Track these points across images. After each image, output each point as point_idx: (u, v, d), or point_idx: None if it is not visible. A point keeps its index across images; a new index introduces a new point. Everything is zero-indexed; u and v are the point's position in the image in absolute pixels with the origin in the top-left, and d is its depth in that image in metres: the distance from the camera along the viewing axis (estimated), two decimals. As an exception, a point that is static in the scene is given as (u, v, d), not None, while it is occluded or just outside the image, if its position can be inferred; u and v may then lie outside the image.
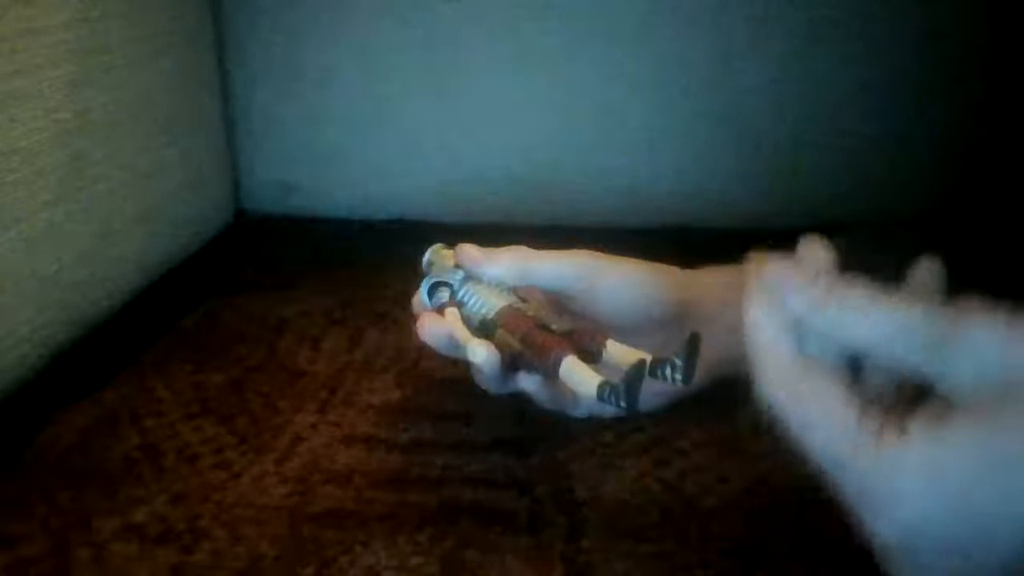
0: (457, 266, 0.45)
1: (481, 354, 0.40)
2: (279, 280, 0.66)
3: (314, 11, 0.75)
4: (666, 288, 0.45)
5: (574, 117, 0.75)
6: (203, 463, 0.44)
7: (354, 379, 0.52)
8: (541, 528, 0.39)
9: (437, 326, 0.43)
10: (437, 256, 0.47)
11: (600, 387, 0.36)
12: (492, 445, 0.45)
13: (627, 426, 0.46)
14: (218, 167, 0.76)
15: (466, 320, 0.43)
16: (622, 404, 0.35)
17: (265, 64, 0.77)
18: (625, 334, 0.40)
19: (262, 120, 0.79)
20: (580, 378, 0.37)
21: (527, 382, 0.42)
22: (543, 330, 0.40)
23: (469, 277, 0.45)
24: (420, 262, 0.47)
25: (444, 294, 0.45)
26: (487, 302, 0.43)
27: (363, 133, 0.78)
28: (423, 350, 0.55)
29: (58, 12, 0.53)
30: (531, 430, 0.46)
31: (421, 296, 0.45)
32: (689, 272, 0.47)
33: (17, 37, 0.50)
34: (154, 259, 0.66)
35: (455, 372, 0.52)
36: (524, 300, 0.43)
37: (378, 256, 0.69)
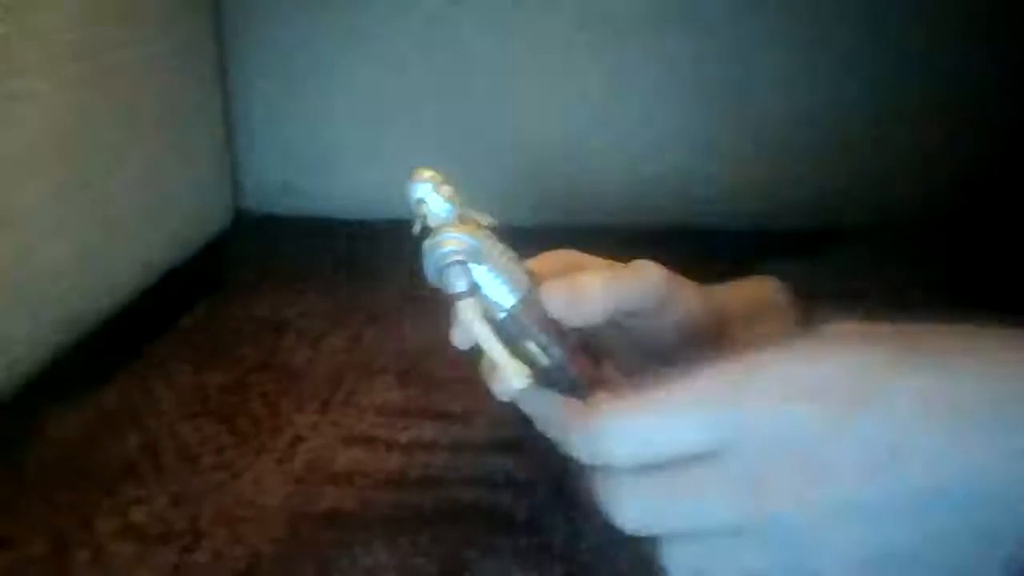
0: (462, 218, 0.34)
1: (517, 385, 0.34)
2: (279, 280, 0.66)
3: (314, 11, 0.75)
4: (710, 310, 0.40)
5: (574, 117, 0.75)
6: (203, 463, 0.44)
7: (354, 379, 0.52)
8: (541, 528, 0.39)
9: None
10: (435, 194, 0.34)
11: None
12: (492, 445, 0.45)
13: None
14: (218, 167, 0.76)
15: (484, 314, 0.34)
16: None
17: (265, 64, 0.77)
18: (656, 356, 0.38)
19: (262, 120, 0.79)
20: None
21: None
22: (581, 351, 0.35)
23: (481, 243, 0.34)
24: (419, 261, 0.42)
25: (459, 277, 0.33)
26: (505, 288, 0.34)
27: (363, 133, 0.78)
28: (423, 350, 0.56)
29: (58, 12, 0.53)
30: (531, 430, 0.46)
31: (429, 276, 0.34)
32: (715, 289, 0.43)
33: (17, 37, 0.50)
34: (154, 259, 0.65)
35: (455, 372, 0.52)
36: (535, 280, 0.36)
37: (378, 256, 0.69)
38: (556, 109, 0.75)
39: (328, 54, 0.76)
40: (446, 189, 0.34)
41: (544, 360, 0.34)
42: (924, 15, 0.69)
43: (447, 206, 0.34)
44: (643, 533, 0.28)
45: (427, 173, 0.34)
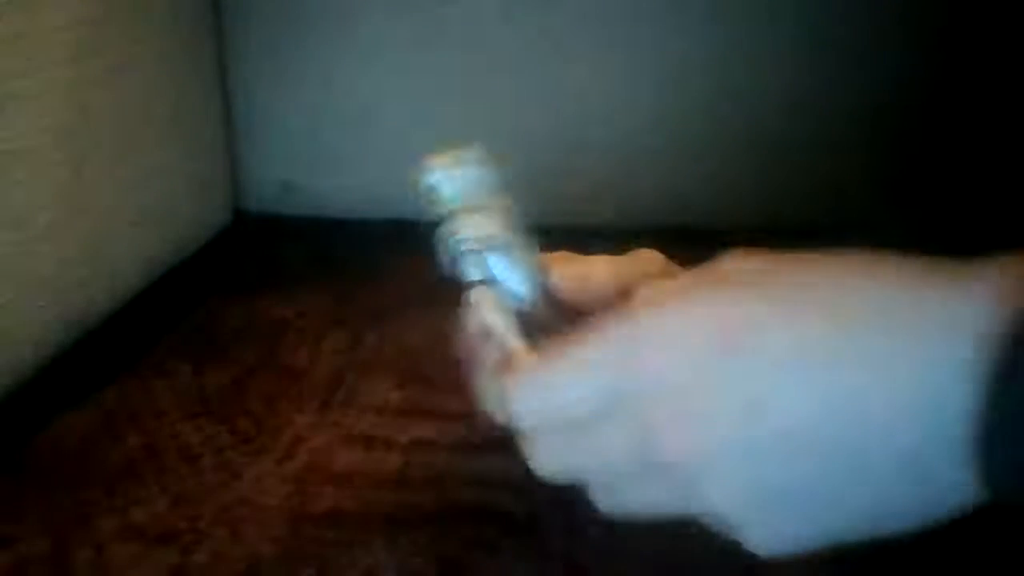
0: (467, 209, 0.33)
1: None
2: (279, 280, 0.66)
3: (314, 11, 0.75)
4: None
5: (573, 117, 0.75)
6: (203, 463, 0.44)
7: (354, 379, 0.52)
8: (541, 528, 0.39)
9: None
10: (449, 180, 0.34)
11: None
12: (492, 445, 0.45)
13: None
14: (218, 167, 0.76)
15: (498, 304, 0.33)
16: None
17: (265, 64, 0.77)
18: None
19: (262, 120, 0.79)
20: None
21: None
22: None
23: (496, 232, 0.34)
24: (419, 260, 0.41)
25: (474, 266, 0.33)
26: (520, 278, 0.34)
27: (363, 133, 0.78)
28: (423, 350, 0.56)
29: (58, 13, 0.53)
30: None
31: (443, 264, 0.34)
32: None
33: (17, 37, 0.50)
34: (154, 259, 0.66)
35: (455, 372, 0.52)
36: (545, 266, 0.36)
37: (378, 256, 0.69)
38: (555, 109, 0.75)
39: (328, 54, 0.76)
40: (459, 173, 0.34)
41: None
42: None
43: (460, 192, 0.34)
44: (560, 479, 0.31)
45: (438, 159, 0.34)
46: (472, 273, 0.33)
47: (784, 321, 0.26)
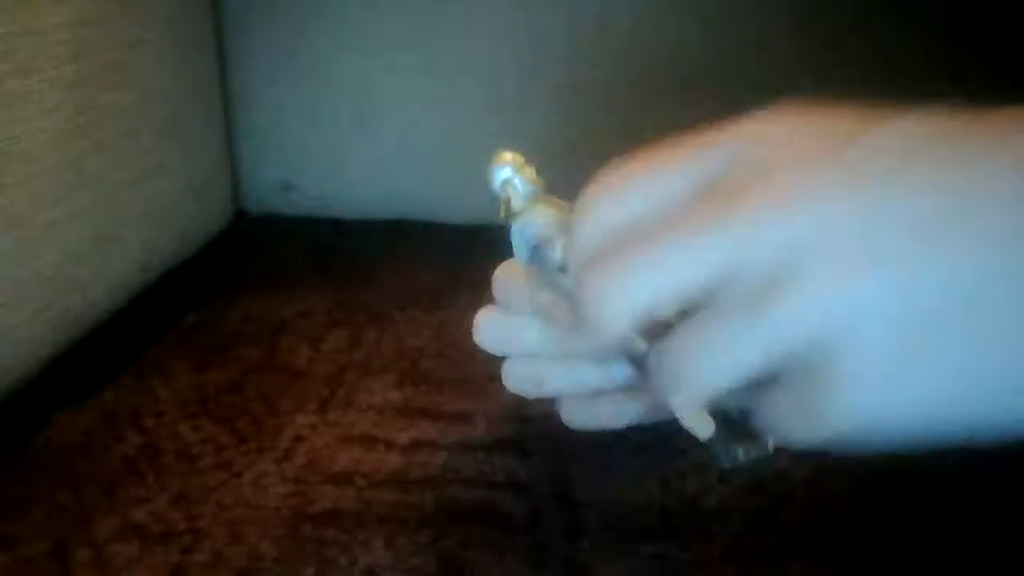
0: (544, 200, 0.33)
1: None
2: (279, 280, 0.66)
3: (314, 11, 0.75)
4: None
5: (574, 116, 0.75)
6: (203, 463, 0.44)
7: (354, 379, 0.52)
8: (541, 528, 0.39)
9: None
10: (519, 176, 0.34)
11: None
12: (492, 445, 0.45)
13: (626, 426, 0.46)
14: (218, 167, 0.76)
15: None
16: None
17: (265, 64, 0.77)
18: None
19: (262, 120, 0.79)
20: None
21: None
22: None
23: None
24: (419, 260, 0.42)
25: (554, 251, 0.33)
26: None
27: (363, 133, 0.78)
28: (423, 350, 0.56)
29: (58, 12, 0.53)
30: (531, 430, 0.46)
31: (520, 254, 0.34)
32: None
33: (17, 37, 0.50)
34: (154, 259, 0.65)
35: (455, 372, 0.52)
36: None
37: (378, 256, 0.69)
38: (558, 107, 0.75)
39: (328, 54, 0.76)
40: (528, 171, 0.35)
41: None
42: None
43: (530, 188, 0.34)
44: (626, 316, 0.28)
45: (508, 155, 0.35)
46: (551, 259, 0.33)
47: (912, 118, 0.25)
